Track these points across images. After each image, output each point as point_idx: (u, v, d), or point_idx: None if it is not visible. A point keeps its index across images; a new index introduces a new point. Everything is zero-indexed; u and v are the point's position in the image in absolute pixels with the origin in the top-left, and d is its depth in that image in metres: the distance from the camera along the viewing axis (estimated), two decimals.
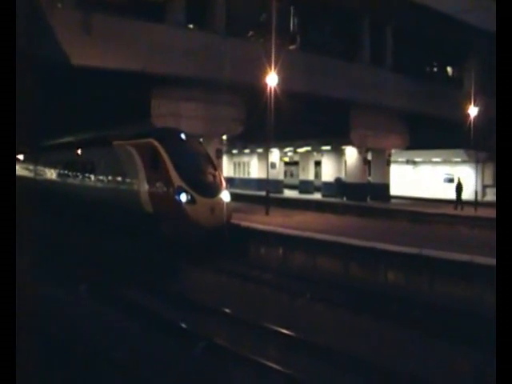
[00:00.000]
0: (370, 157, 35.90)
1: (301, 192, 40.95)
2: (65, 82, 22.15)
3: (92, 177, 21.35)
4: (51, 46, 18.72)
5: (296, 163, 45.13)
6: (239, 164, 47.32)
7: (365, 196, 33.50)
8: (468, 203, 29.80)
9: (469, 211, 27.42)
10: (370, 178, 36.03)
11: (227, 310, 9.86)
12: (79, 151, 23.64)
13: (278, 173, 41.12)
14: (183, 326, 8.89)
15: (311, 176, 41.99)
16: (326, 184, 37.41)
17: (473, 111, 29.05)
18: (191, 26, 25.67)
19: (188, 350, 7.94)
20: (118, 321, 9.44)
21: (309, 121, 29.73)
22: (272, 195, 25.13)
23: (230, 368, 7.43)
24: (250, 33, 27.90)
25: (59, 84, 22.21)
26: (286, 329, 8.59)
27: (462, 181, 30.29)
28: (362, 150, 33.72)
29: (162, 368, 7.32)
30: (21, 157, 38.50)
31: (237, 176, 46.38)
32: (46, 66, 19.46)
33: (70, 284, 11.97)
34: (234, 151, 45.49)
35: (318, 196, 37.89)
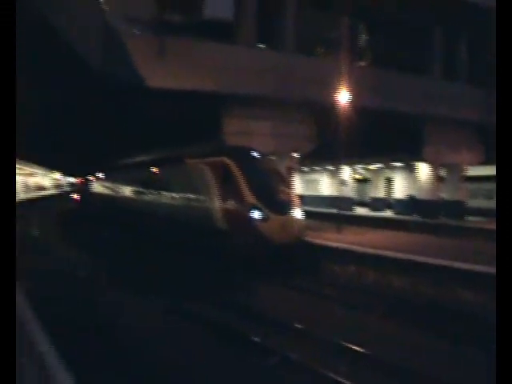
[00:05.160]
0: (443, 173, 34.99)
1: (372, 209, 40.36)
2: (140, 103, 23.01)
3: (166, 194, 21.92)
4: (128, 69, 19.59)
5: (367, 180, 44.58)
6: (310, 182, 47.26)
7: (438, 213, 32.62)
8: None
9: None
10: (443, 195, 35.05)
11: (299, 326, 9.89)
12: (154, 169, 24.35)
13: (349, 190, 40.73)
14: (256, 339, 8.99)
15: (382, 193, 41.33)
16: (398, 201, 36.73)
17: None
18: (261, 45, 26.11)
19: (261, 363, 8.03)
20: (193, 335, 9.66)
21: (380, 137, 29.41)
22: (343, 213, 24.94)
23: (301, 382, 7.47)
24: (320, 50, 28.05)
25: (135, 105, 23.13)
26: (357, 345, 8.54)
27: None
28: (436, 166, 32.94)
29: (235, 381, 7.45)
30: (101, 175, 40.29)
31: (307, 194, 46.31)
32: (123, 89, 20.40)
33: (146, 298, 12.40)
34: (305, 169, 45.49)
35: (389, 213, 37.21)
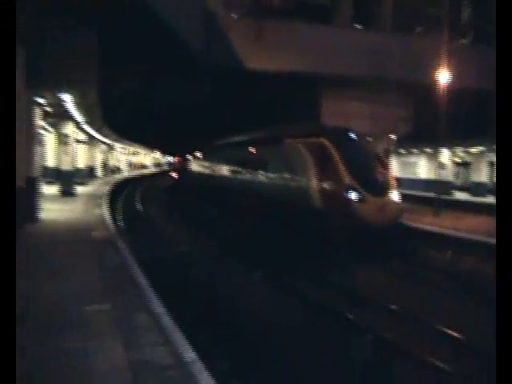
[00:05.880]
0: None
1: (473, 194, 38.77)
2: (239, 85, 23.56)
3: (263, 173, 22.24)
4: (227, 52, 20.12)
5: (468, 164, 42.83)
6: (407, 164, 46.11)
7: None
8: None
9: None
10: None
11: (393, 307, 9.93)
12: (252, 149, 24.70)
13: (448, 174, 39.34)
14: (350, 317, 9.18)
15: (484, 177, 39.52)
16: None
17: None
18: (358, 25, 25.78)
19: (354, 340, 8.21)
20: (287, 307, 10.01)
21: (483, 119, 28.25)
22: (441, 197, 24.27)
23: (392, 360, 7.59)
24: (418, 28, 27.22)
25: (234, 87, 23.70)
26: (453, 330, 8.52)
27: None
28: None
29: (328, 354, 7.67)
30: (198, 154, 41.59)
31: (404, 176, 45.27)
32: (223, 71, 21.00)
33: (246, 271, 13.02)
34: (402, 151, 44.43)
35: (491, 199, 35.59)
